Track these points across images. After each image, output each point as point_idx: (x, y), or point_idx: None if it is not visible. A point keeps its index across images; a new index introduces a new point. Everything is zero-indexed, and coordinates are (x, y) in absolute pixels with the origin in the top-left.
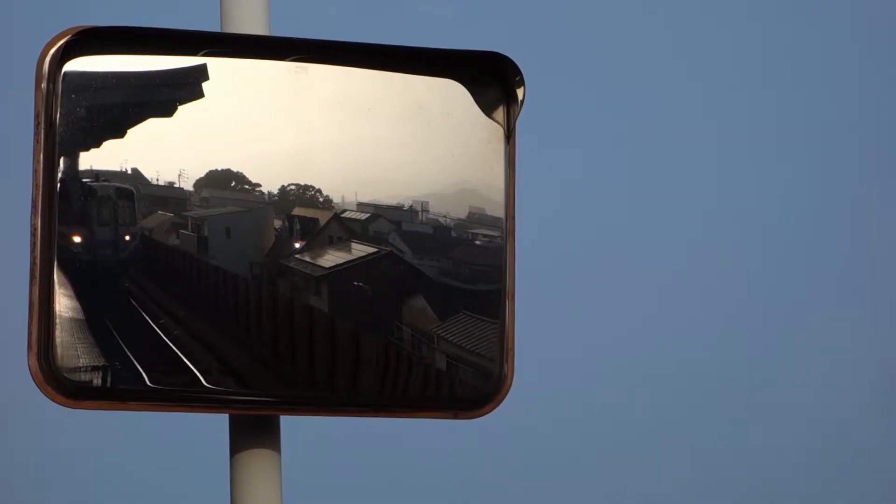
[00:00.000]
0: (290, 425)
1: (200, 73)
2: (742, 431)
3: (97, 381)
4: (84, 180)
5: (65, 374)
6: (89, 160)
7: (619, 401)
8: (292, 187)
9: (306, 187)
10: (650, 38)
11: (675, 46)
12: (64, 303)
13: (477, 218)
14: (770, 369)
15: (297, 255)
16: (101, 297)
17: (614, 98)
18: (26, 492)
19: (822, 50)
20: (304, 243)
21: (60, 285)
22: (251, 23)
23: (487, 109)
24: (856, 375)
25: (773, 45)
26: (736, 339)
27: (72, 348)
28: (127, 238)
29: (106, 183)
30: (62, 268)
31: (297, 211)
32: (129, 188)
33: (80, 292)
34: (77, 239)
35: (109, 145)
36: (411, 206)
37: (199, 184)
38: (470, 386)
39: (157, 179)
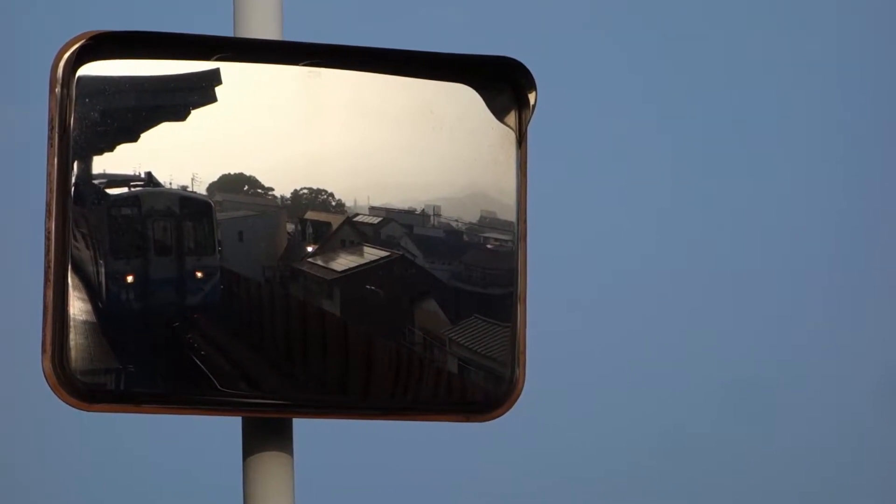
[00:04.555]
0: (303, 428)
1: (213, 78)
2: (753, 435)
3: (111, 384)
4: (131, 186)
5: (79, 377)
6: (103, 164)
7: (631, 404)
8: (305, 191)
9: (319, 191)
10: (648, 41)
11: (673, 49)
12: (78, 306)
13: (489, 222)
14: (779, 372)
15: (309, 259)
16: (118, 304)
17: (620, 99)
18: (38, 493)
19: (820, 51)
20: (316, 247)
21: (75, 288)
22: (264, 27)
23: (499, 114)
24: (865, 377)
25: (771, 47)
26: (748, 344)
27: (86, 351)
28: (198, 275)
29: (158, 189)
30: (76, 271)
31: (309, 215)
32: (205, 199)
33: (95, 295)
34: (129, 278)
35: (123, 149)
36: (423, 209)
37: (212, 188)
38: (482, 389)
39: (171, 183)
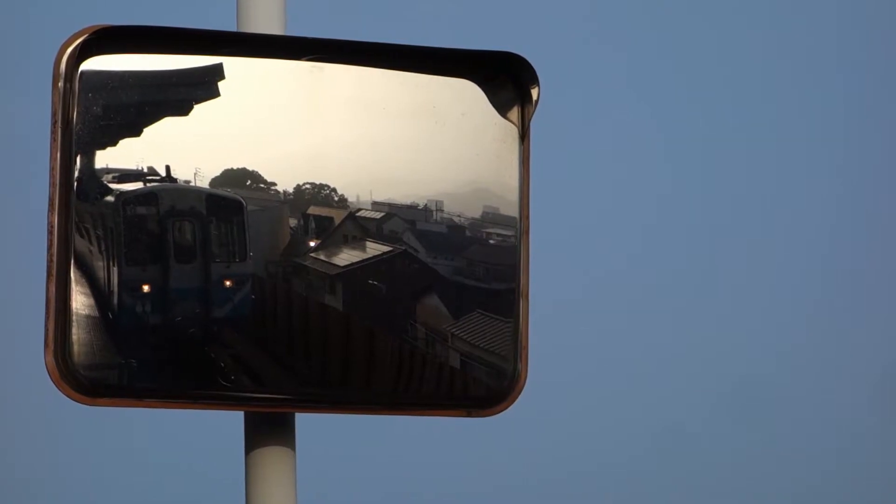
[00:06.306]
0: (305, 422)
1: (216, 73)
2: (753, 433)
3: (113, 379)
4: (147, 182)
5: (81, 372)
6: (105, 158)
7: (632, 400)
8: (307, 186)
9: (321, 186)
10: (647, 39)
11: (673, 46)
12: (80, 300)
13: (491, 217)
14: (780, 369)
15: (312, 254)
16: (126, 307)
17: (621, 96)
18: (41, 488)
19: (816, 50)
20: (319, 242)
21: (77, 283)
22: (267, 22)
23: (502, 109)
24: (864, 376)
25: (770, 46)
26: (749, 343)
27: (88, 345)
28: (227, 284)
29: (180, 185)
30: (79, 266)
31: (312, 210)
32: (236, 198)
33: (100, 293)
34: (145, 287)
35: (126, 144)
36: (426, 205)
37: (215, 182)
38: (484, 384)
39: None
